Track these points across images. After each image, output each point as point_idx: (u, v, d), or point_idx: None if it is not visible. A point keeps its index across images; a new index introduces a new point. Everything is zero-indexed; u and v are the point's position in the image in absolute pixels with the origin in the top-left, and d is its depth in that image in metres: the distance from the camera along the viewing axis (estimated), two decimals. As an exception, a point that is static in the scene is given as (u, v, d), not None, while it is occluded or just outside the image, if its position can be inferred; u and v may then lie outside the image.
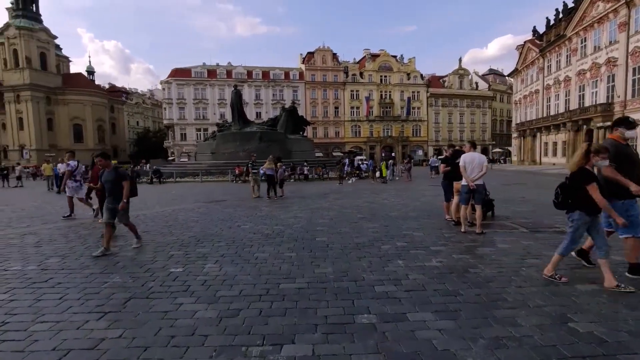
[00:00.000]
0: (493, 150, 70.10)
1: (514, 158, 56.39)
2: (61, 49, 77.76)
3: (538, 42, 46.24)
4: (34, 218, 8.64)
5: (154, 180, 21.94)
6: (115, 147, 76.22)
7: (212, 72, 63.67)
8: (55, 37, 71.42)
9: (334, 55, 69.88)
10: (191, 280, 4.02)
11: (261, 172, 12.18)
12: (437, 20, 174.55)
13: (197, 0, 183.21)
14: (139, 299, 3.50)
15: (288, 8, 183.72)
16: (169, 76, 63.04)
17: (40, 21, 69.47)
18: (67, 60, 79.52)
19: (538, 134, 45.13)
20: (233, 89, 31.73)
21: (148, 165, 29.12)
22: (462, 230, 6.27)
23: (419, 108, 73.47)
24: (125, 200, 5.32)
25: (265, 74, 65.82)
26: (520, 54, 51.15)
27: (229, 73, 63.60)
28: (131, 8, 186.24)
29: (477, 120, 77.90)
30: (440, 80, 79.36)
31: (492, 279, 3.88)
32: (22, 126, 66.40)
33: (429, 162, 29.48)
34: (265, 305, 3.32)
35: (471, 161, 6.22)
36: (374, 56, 71.86)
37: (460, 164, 6.33)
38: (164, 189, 17.67)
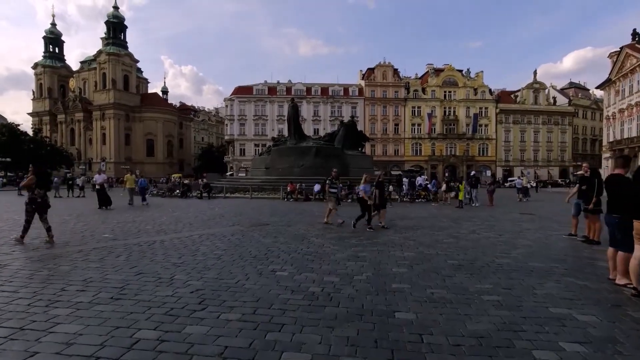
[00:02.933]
0: (576, 173, 61.59)
1: (607, 182, 48.31)
2: (142, 71, 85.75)
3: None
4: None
5: (204, 195, 21.19)
6: (181, 161, 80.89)
7: (272, 89, 64.90)
8: (137, 61, 78.78)
9: (395, 71, 67.50)
10: None
11: (362, 188, 9.23)
12: (504, 36, 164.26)
13: (267, 26, 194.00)
14: None
15: (347, 28, 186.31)
16: (232, 93, 65.46)
17: (126, 47, 77.26)
18: (146, 81, 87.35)
19: (641, 154, 37.90)
20: (290, 102, 30.83)
21: (204, 180, 28.94)
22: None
23: (486, 125, 67.60)
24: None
25: (324, 90, 65.43)
26: (615, 62, 44.26)
27: (288, 90, 64.27)
28: (206, 36, 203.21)
29: (554, 139, 69.60)
30: (512, 96, 72.63)
31: None
32: (105, 141, 73.27)
33: (514, 184, 25.39)
34: None
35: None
36: (438, 71, 68.09)
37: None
38: (210, 205, 16.51)
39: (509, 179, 59.07)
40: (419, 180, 20.79)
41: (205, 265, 5.12)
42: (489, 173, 64.01)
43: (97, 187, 14.80)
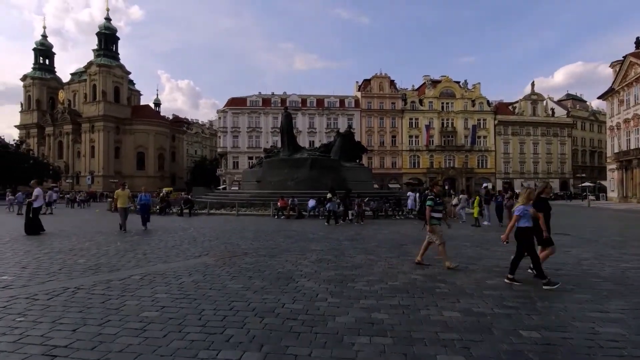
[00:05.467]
0: (581, 185, 59.91)
1: (612, 194, 46.81)
2: (134, 83, 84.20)
3: (644, 55, 38.44)
4: None
5: (184, 211, 19.02)
6: (173, 174, 78.56)
7: (266, 101, 63.42)
8: (129, 73, 77.25)
9: (392, 82, 66.46)
10: None
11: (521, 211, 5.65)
12: (496, 51, 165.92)
13: (263, 42, 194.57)
14: None
15: (342, 43, 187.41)
16: (225, 105, 63.86)
17: (118, 59, 75.80)
18: (138, 93, 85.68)
19: (650, 166, 36.43)
20: (284, 111, 29.05)
21: (191, 195, 26.74)
22: None
23: (485, 137, 66.43)
24: None
25: (320, 101, 64.04)
26: (618, 71, 43.22)
27: (283, 101, 62.76)
28: (203, 51, 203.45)
29: (554, 150, 68.59)
30: (510, 107, 71.79)
31: None
32: (94, 154, 70.95)
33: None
34: None
35: None
36: (435, 82, 67.16)
37: None
38: (186, 225, 14.37)
39: (508, 191, 57.52)
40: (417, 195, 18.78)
41: (106, 350, 2.99)
42: (490, 185, 62.25)
43: (34, 205, 10.94)
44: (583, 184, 57.97)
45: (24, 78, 78.90)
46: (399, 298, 4.54)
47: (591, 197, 44.87)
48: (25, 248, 8.22)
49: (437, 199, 6.77)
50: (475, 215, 14.61)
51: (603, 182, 54.09)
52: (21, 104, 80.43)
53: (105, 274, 5.68)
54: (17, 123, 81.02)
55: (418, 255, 6.81)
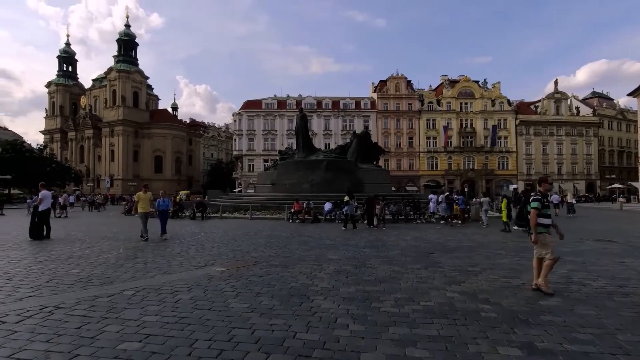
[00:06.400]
0: (609, 186, 56.93)
1: (646, 196, 44.14)
2: (152, 88, 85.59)
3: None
4: None
5: (197, 215, 18.49)
6: (190, 178, 79.16)
7: (282, 103, 63.12)
8: (147, 78, 78.48)
9: (408, 83, 65.09)
10: None
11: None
12: (514, 50, 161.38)
13: (278, 45, 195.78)
14: None
15: (358, 46, 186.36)
16: (240, 108, 63.90)
17: (137, 64, 77.15)
18: (156, 98, 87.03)
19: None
20: (299, 112, 28.38)
21: (205, 198, 26.37)
22: None
23: (506, 137, 64.17)
24: None
25: (335, 103, 63.26)
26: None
27: (298, 103, 62.29)
28: (219, 57, 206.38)
29: (579, 151, 65.65)
30: (532, 107, 69.22)
31: None
32: (113, 157, 72.21)
33: (551, 199, 22.24)
34: None
35: None
36: (453, 82, 65.39)
37: None
38: (198, 229, 13.79)
39: (532, 193, 55.21)
40: (442, 196, 17.65)
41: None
42: (512, 187, 60.08)
43: (40, 209, 10.39)
44: (611, 186, 55.09)
45: (48, 85, 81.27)
46: (437, 326, 3.68)
47: (621, 199, 42.46)
48: (23, 255, 7.72)
49: (545, 200, 5.27)
50: (505, 219, 13.48)
51: (634, 184, 51.18)
52: (46, 110, 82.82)
53: (95, 288, 5.02)
54: (42, 129, 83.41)
55: (539, 279, 5.08)
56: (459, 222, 16.02)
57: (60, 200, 20.74)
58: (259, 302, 4.45)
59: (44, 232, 10.50)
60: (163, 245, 9.30)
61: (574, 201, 23.61)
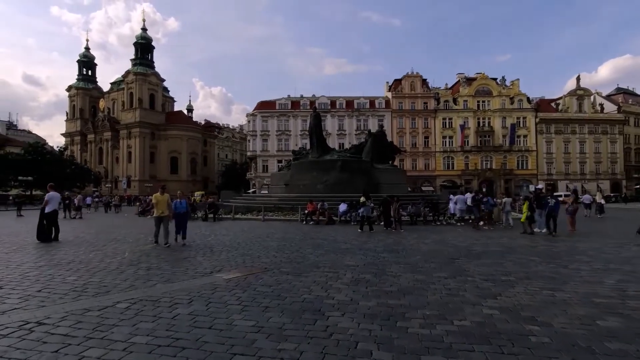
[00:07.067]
0: (637, 186, 54.42)
1: (677, 197, 41.86)
2: (168, 90, 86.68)
3: None
4: None
5: (209, 216, 18.15)
6: (205, 179, 79.73)
7: (295, 103, 62.81)
8: (163, 80, 79.48)
9: (424, 81, 63.81)
10: None
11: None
12: (534, 47, 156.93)
13: (292, 47, 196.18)
14: None
15: (373, 47, 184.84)
16: (254, 109, 63.87)
17: (153, 67, 78.22)
18: (172, 100, 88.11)
19: None
20: (312, 111, 27.85)
21: (219, 199, 26.10)
22: None
23: (525, 136, 62.22)
24: None
25: (349, 103, 62.53)
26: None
27: (312, 104, 61.76)
28: (234, 59, 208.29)
29: (603, 149, 63.14)
30: (552, 104, 66.84)
31: None
32: (130, 159, 73.33)
33: (581, 200, 21.08)
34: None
35: None
36: (470, 80, 63.76)
37: None
38: (209, 231, 13.39)
39: (554, 193, 53.24)
40: (468, 196, 16.73)
41: None
42: (532, 187, 58.09)
43: (46, 210, 9.95)
44: (639, 186, 52.57)
45: (69, 89, 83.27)
46: (479, 355, 3.03)
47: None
48: (24, 259, 7.38)
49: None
50: (523, 220, 12.60)
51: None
52: (66, 113, 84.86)
53: (89, 298, 4.57)
54: (63, 131, 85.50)
55: None
56: (484, 224, 15.12)
57: (75, 201, 20.77)
58: (266, 319, 3.89)
59: (52, 235, 10.24)
60: (170, 249, 8.87)
61: (603, 202, 22.42)
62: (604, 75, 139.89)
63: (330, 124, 60.10)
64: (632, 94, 76.92)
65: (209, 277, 5.88)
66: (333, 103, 62.68)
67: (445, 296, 4.81)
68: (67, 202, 19.64)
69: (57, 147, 71.12)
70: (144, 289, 5.03)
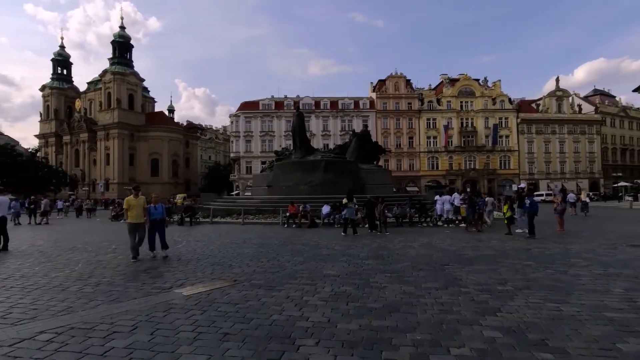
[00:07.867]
0: (614, 185, 55.70)
1: (655, 195, 42.88)
2: (149, 91, 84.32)
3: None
4: None
5: (185, 220, 17.16)
6: (187, 181, 77.75)
7: (279, 104, 61.90)
8: (143, 80, 77.19)
9: (408, 82, 63.94)
10: None
11: None
12: (514, 50, 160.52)
13: (277, 48, 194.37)
14: None
15: (358, 47, 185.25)
16: (238, 109, 62.66)
17: (132, 67, 75.85)
18: (152, 100, 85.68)
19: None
20: (295, 111, 27.12)
21: (197, 201, 25.01)
22: None
23: (507, 136, 63.17)
24: None
25: (334, 103, 62.05)
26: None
27: (296, 104, 60.98)
28: (218, 60, 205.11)
29: (582, 149, 64.77)
30: (533, 105, 68.15)
31: None
32: (109, 161, 70.82)
33: (568, 198, 20.93)
34: None
35: None
36: (453, 81, 64.28)
37: None
38: (182, 236, 12.48)
39: (535, 193, 54.00)
40: (456, 197, 16.27)
41: None
42: (515, 187, 58.86)
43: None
44: (617, 184, 53.85)
45: (42, 88, 79.93)
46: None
47: (628, 198, 41.25)
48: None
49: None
50: (506, 221, 12.21)
51: (640, 182, 50.01)
52: (40, 114, 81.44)
53: (5, 328, 3.70)
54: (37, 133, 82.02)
55: None
56: (474, 226, 14.65)
57: (42, 205, 19.37)
58: (222, 352, 3.13)
59: (1, 244, 9.17)
60: (131, 261, 7.83)
61: (588, 200, 22.49)
62: (579, 77, 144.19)
63: (314, 124, 59.48)
64: (608, 95, 79.27)
65: (166, 293, 5.07)
66: (317, 103, 62.10)
67: (438, 313, 4.16)
68: (32, 206, 18.24)
69: (29, 149, 67.99)
70: (82, 313, 4.19)
